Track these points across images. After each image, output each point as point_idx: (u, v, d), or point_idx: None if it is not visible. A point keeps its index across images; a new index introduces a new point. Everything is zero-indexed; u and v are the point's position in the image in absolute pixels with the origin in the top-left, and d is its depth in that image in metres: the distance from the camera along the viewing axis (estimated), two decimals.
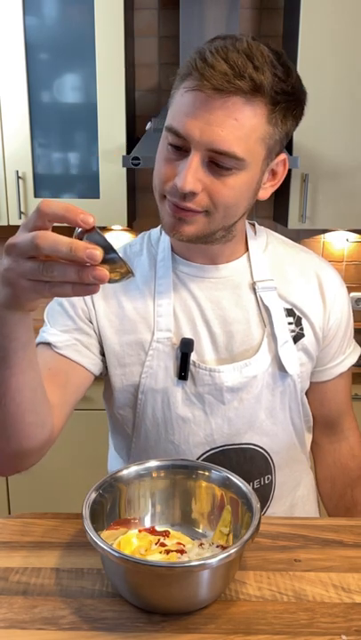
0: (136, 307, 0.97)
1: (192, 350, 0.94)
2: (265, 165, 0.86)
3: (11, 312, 0.66)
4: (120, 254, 0.58)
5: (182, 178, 0.80)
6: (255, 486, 1.00)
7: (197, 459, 0.97)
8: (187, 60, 0.81)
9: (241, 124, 0.79)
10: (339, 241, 2.71)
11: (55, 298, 0.96)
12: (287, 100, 0.81)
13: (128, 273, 0.60)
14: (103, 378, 1.01)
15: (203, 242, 0.89)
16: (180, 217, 0.85)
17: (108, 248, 0.59)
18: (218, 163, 0.81)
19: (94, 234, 0.59)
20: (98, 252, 0.56)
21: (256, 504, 0.74)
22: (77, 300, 0.96)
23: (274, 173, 0.90)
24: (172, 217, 0.85)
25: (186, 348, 0.94)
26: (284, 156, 0.89)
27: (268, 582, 0.75)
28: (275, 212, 2.63)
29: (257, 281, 0.97)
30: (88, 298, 0.96)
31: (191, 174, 0.80)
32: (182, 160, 0.82)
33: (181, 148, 0.82)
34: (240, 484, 0.79)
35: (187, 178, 0.80)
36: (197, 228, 0.86)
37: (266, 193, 0.90)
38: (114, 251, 0.59)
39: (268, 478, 1.01)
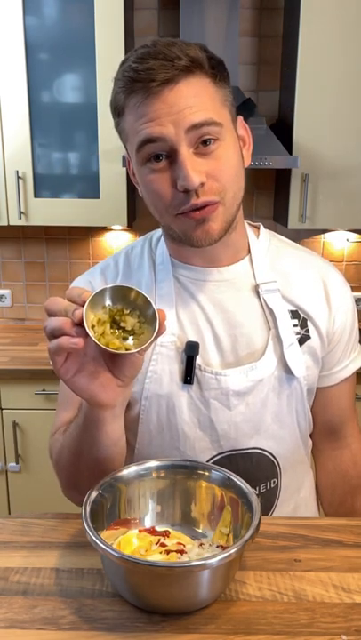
0: None
1: (197, 353, 0.93)
2: (234, 129, 0.89)
3: (90, 410, 0.78)
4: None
5: (186, 175, 0.80)
6: (261, 490, 0.99)
7: None
8: (117, 87, 0.84)
9: (201, 97, 0.82)
10: (339, 241, 2.70)
11: None
12: (217, 64, 0.85)
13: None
14: None
15: (225, 234, 0.89)
16: (204, 218, 0.84)
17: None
18: (204, 139, 0.82)
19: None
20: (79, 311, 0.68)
21: (256, 504, 0.74)
22: None
23: (242, 139, 0.92)
24: (196, 223, 0.85)
25: (191, 350, 0.92)
26: (240, 118, 0.92)
27: (268, 582, 0.75)
28: (275, 211, 2.63)
29: (260, 283, 0.96)
30: None
31: (191, 167, 0.81)
32: (171, 167, 0.83)
33: (163, 155, 0.83)
34: (240, 484, 0.79)
35: (190, 173, 0.80)
36: (220, 221, 0.86)
37: (248, 159, 0.93)
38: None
39: (273, 482, 1.00)
